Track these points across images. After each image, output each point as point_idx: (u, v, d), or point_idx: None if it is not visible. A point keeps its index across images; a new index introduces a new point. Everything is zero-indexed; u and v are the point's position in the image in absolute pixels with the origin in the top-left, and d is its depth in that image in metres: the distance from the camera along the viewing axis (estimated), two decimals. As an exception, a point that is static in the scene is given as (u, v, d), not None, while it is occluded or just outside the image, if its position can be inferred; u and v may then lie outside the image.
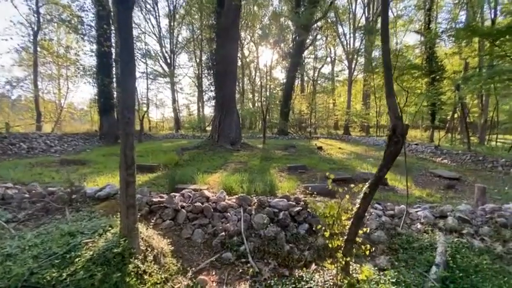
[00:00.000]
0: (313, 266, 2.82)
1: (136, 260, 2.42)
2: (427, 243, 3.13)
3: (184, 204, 3.92)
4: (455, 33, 11.51)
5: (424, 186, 7.13)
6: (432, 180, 7.87)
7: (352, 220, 2.29)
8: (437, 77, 19.75)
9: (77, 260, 2.29)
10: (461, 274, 2.56)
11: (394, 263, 2.84)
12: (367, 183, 2.28)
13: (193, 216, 3.75)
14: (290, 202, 3.97)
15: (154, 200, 3.93)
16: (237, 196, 4.17)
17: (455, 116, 24.52)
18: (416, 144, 15.48)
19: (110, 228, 2.83)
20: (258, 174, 7.13)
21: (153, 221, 3.52)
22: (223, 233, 3.38)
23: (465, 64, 23.57)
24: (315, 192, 4.56)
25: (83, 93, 71.55)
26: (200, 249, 3.22)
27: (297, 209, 3.74)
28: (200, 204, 3.88)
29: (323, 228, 2.48)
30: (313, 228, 3.55)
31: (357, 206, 2.29)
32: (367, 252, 2.23)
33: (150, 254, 2.62)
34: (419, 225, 3.61)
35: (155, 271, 2.53)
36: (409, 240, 3.25)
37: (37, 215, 3.66)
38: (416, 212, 3.94)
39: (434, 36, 13.82)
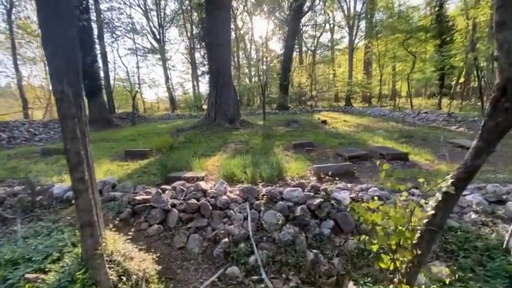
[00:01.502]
0: (351, 285, 2.09)
1: (101, 302, 1.66)
2: (495, 242, 2.39)
3: (176, 201, 3.13)
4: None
5: (448, 159, 6.34)
6: (455, 152, 7.07)
7: (421, 233, 1.50)
8: (448, 38, 18.27)
9: (9, 311, 1.52)
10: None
11: (455, 273, 2.12)
12: (448, 177, 1.45)
13: (188, 217, 2.97)
14: (307, 192, 3.18)
15: (138, 198, 3.13)
16: (240, 187, 3.37)
17: (460, 80, 23.28)
18: (425, 113, 14.56)
19: (70, 249, 2.06)
20: (261, 155, 6.34)
21: (133, 228, 2.75)
22: (226, 239, 2.63)
23: (473, 24, 21.80)
24: (336, 177, 3.75)
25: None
26: (198, 262, 2.48)
27: (317, 201, 2.96)
28: (195, 201, 3.08)
29: (366, 238, 1.70)
30: (340, 226, 2.80)
31: (431, 212, 1.47)
32: (447, 281, 1.47)
33: (125, 286, 1.87)
34: (473, 215, 2.86)
35: (134, 309, 1.80)
36: (467, 237, 2.51)
37: (-10, 226, 2.88)
38: (464, 196, 3.17)
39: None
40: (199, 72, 27.74)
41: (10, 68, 22.36)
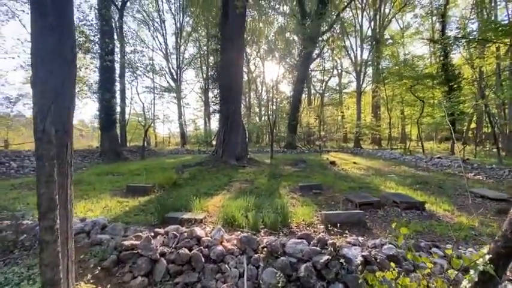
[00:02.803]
0: None
1: None
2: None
3: (166, 249, 2.83)
4: (481, 35, 10.44)
5: (469, 210, 5.80)
6: (476, 202, 6.53)
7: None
8: (455, 85, 18.55)
9: None
10: None
11: None
12: (484, 251, 1.17)
13: (177, 269, 2.64)
14: (313, 247, 2.82)
15: (126, 243, 2.86)
16: (238, 236, 3.05)
17: (471, 126, 23.04)
18: (439, 158, 14.07)
19: (33, 308, 1.77)
20: (266, 197, 6.05)
21: (115, 279, 2.43)
22: (216, 302, 2.27)
23: (480, 72, 22.25)
24: (347, 226, 3.40)
25: (92, 110, 72.62)
26: (181, 330, 2.10)
27: (325, 258, 2.60)
28: (187, 250, 2.77)
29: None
30: (351, 292, 2.39)
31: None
32: None
33: None
34: (510, 286, 2.41)
35: None
36: (509, 318, 2.06)
37: (-38, 268, 2.63)
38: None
39: (455, 40, 12.77)
40: (211, 110, 28.84)
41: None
